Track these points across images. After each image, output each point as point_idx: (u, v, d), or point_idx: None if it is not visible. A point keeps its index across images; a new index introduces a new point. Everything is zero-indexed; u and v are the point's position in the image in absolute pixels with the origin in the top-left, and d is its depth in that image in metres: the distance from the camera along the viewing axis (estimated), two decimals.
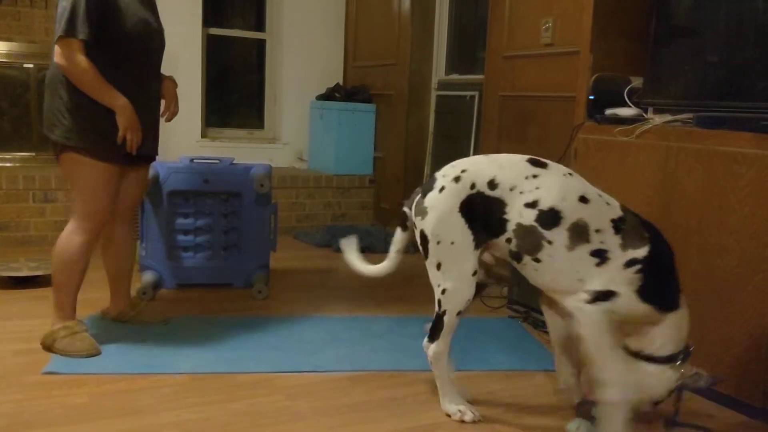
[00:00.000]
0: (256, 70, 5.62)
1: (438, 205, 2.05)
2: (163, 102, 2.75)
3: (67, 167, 2.52)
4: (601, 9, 2.84)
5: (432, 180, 2.10)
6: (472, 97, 4.29)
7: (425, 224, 2.07)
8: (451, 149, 4.50)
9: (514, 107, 3.71)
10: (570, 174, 2.03)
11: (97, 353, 2.50)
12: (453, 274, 2.06)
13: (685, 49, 2.50)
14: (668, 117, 2.52)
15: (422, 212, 2.08)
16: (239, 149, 5.12)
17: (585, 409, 2.12)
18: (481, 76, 4.06)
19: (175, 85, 2.81)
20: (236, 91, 5.68)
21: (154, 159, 2.78)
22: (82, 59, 2.37)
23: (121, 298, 2.84)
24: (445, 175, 2.08)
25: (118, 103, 2.45)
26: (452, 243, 2.04)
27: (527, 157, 2.05)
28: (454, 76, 4.64)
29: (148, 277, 3.28)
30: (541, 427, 2.15)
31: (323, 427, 2.08)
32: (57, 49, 2.37)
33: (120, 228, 2.74)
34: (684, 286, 1.97)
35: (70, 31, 2.33)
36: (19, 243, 4.10)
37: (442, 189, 2.06)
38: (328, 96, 5.26)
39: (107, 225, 2.64)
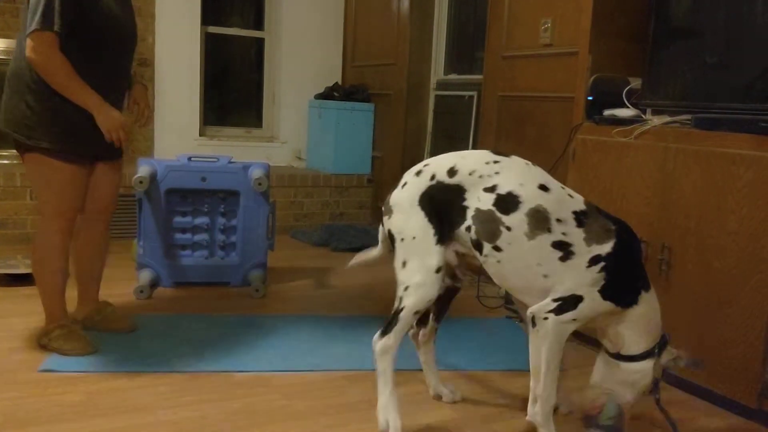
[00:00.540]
0: (254, 69, 5.62)
1: (400, 202, 2.03)
2: (136, 107, 2.68)
3: (32, 167, 2.46)
4: (600, 10, 2.85)
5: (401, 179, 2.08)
6: (471, 97, 4.29)
7: (391, 223, 2.04)
8: (450, 149, 4.45)
9: (513, 107, 3.71)
10: (530, 164, 2.03)
11: (93, 351, 2.50)
12: (417, 270, 1.99)
13: (684, 50, 2.50)
14: (666, 118, 2.53)
15: (389, 211, 2.05)
16: (237, 148, 5.12)
17: (592, 422, 2.08)
18: (479, 76, 4.06)
19: (146, 89, 2.75)
20: (235, 89, 5.68)
21: (121, 156, 2.68)
22: (57, 54, 2.30)
23: (88, 302, 2.75)
24: (409, 171, 2.08)
25: (92, 101, 2.37)
26: (414, 238, 1.99)
27: (490, 150, 2.07)
28: (453, 76, 4.64)
29: (146, 275, 3.28)
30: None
31: (320, 426, 2.08)
32: (29, 43, 2.28)
33: (94, 228, 2.66)
34: (682, 286, 1.98)
35: (45, 24, 2.25)
36: (16, 240, 4.10)
37: (404, 185, 2.05)
38: (327, 95, 5.26)
39: (84, 224, 2.59)
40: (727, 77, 2.35)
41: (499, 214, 1.93)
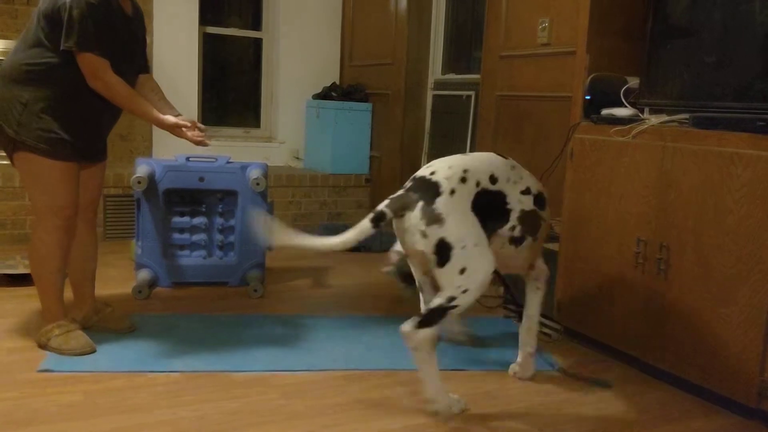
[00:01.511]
0: (252, 69, 5.62)
1: (456, 209, 2.04)
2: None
3: (24, 167, 2.47)
4: (598, 9, 2.85)
5: (431, 184, 2.07)
6: (469, 96, 4.29)
7: (446, 231, 2.02)
8: (448, 149, 4.50)
9: (511, 107, 3.71)
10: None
11: (92, 351, 2.50)
12: (479, 275, 2.05)
13: (682, 49, 2.50)
14: (664, 117, 2.53)
15: (437, 219, 2.02)
16: (235, 148, 5.12)
17: None
18: (477, 76, 4.06)
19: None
20: (233, 89, 5.68)
21: (105, 158, 2.72)
22: (114, 78, 2.42)
23: (85, 302, 2.75)
24: (448, 177, 2.08)
25: (153, 116, 2.53)
26: (476, 245, 2.05)
27: (491, 153, 2.31)
28: (451, 76, 4.64)
29: (144, 275, 3.28)
30: (537, 425, 2.16)
31: (318, 426, 2.08)
32: (86, 69, 2.38)
33: (81, 227, 2.65)
34: (680, 286, 1.98)
35: (84, 45, 2.34)
36: (15, 240, 4.09)
37: (452, 192, 2.05)
38: (325, 95, 5.26)
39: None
40: (726, 76, 2.35)
41: (539, 212, 2.32)
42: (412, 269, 2.34)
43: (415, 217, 2.05)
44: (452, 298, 2.06)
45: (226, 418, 2.09)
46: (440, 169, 2.12)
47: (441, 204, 2.04)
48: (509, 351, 2.75)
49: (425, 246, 2.04)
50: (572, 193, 2.84)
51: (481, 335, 2.94)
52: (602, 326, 2.72)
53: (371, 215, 2.08)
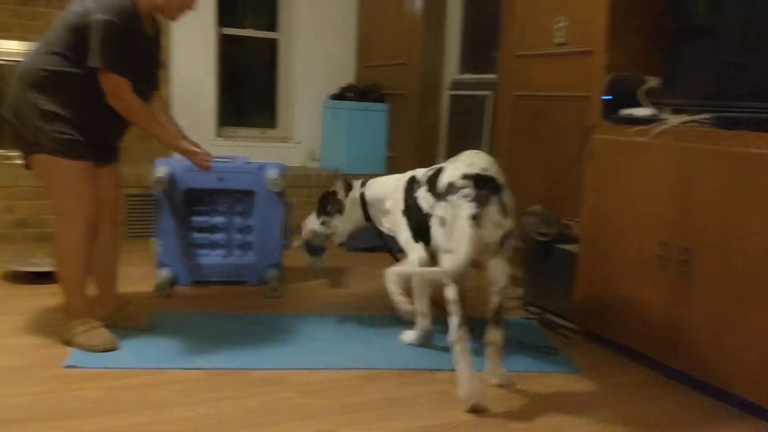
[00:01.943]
0: (269, 70, 5.65)
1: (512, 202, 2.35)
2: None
3: (42, 169, 2.52)
4: (616, 7, 2.84)
5: (492, 180, 2.26)
6: (486, 96, 4.29)
7: (511, 223, 2.29)
8: (464, 149, 4.46)
9: (528, 107, 3.70)
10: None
11: (115, 348, 2.53)
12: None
13: (703, 48, 2.49)
14: (685, 117, 2.50)
15: (508, 212, 2.28)
16: (253, 148, 5.14)
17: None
18: (494, 76, 4.06)
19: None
20: (249, 90, 5.71)
21: (117, 160, 2.77)
22: (135, 98, 2.48)
23: (108, 300, 2.78)
24: (498, 173, 2.32)
25: (168, 139, 2.67)
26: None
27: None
28: (467, 76, 4.64)
29: (165, 274, 3.31)
30: (555, 428, 2.15)
31: (336, 425, 2.09)
32: (107, 87, 2.43)
33: (103, 226, 2.67)
34: (703, 288, 1.96)
35: (110, 64, 2.38)
36: (38, 239, 4.14)
37: (505, 186, 2.31)
38: (341, 95, 5.28)
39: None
40: (747, 75, 2.33)
41: None
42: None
43: (493, 211, 2.21)
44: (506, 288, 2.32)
45: (246, 416, 2.11)
46: (488, 165, 2.31)
47: (507, 197, 2.28)
48: (526, 353, 2.75)
49: (496, 237, 2.24)
50: (591, 195, 2.83)
51: None
52: (622, 328, 2.71)
53: (470, 221, 2.14)
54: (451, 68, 4.77)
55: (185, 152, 2.74)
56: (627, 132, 2.64)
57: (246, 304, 3.20)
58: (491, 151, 4.07)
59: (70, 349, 2.51)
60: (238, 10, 5.51)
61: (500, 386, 2.40)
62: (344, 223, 2.95)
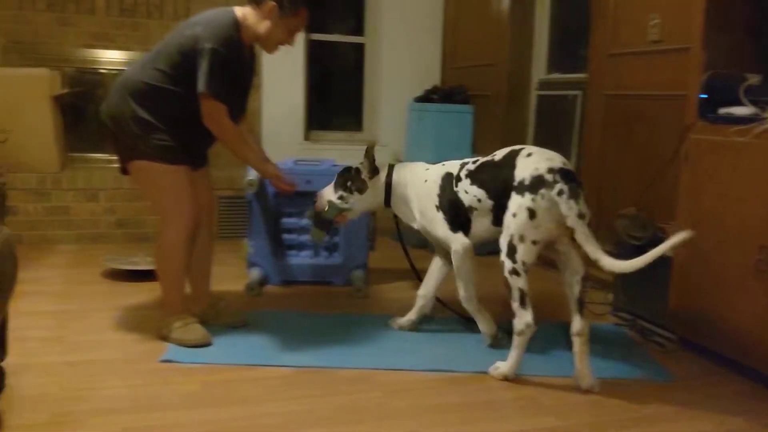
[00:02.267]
0: (355, 74, 5.72)
1: None
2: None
3: (141, 175, 2.63)
4: (714, 3, 2.71)
5: (573, 173, 2.38)
6: (575, 96, 4.20)
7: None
8: (552, 150, 4.41)
9: (620, 107, 3.61)
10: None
11: (209, 343, 2.63)
12: None
13: None
14: None
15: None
16: (340, 151, 5.22)
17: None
18: (584, 75, 3.97)
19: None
20: (336, 94, 5.80)
21: (207, 164, 2.87)
22: (229, 123, 2.58)
23: (201, 298, 2.89)
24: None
25: (256, 162, 2.77)
26: None
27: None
28: (556, 75, 4.56)
29: (255, 273, 3.41)
30: None
31: (421, 426, 2.10)
32: (205, 109, 2.53)
33: (201, 230, 2.76)
34: None
35: (214, 91, 2.49)
36: (136, 239, 4.35)
37: None
38: (426, 98, 5.28)
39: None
40: None
41: None
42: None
43: (581, 203, 2.31)
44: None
45: (333, 413, 2.15)
46: (563, 159, 2.44)
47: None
48: (617, 359, 2.68)
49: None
50: (687, 197, 2.73)
51: (590, 343, 2.87)
52: (720, 336, 2.59)
53: (579, 220, 2.28)
54: (539, 68, 4.70)
55: (271, 176, 2.86)
56: (725, 132, 2.53)
57: (332, 304, 3.25)
58: (580, 152, 3.99)
59: (167, 344, 2.63)
60: (325, 16, 5.61)
61: (588, 390, 2.35)
62: (361, 203, 2.87)
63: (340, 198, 2.86)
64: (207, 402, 2.19)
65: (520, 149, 2.51)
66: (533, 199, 2.33)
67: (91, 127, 4.64)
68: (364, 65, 5.65)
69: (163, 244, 2.63)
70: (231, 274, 3.55)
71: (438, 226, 2.71)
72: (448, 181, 2.70)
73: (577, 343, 2.39)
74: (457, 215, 2.66)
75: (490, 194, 2.53)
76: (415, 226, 2.84)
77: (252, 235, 3.48)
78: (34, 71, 4.22)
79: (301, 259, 3.54)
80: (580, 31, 4.28)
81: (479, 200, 2.57)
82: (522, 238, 2.35)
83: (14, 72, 4.22)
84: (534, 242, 2.34)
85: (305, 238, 3.54)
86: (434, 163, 2.83)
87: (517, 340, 2.41)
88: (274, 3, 2.60)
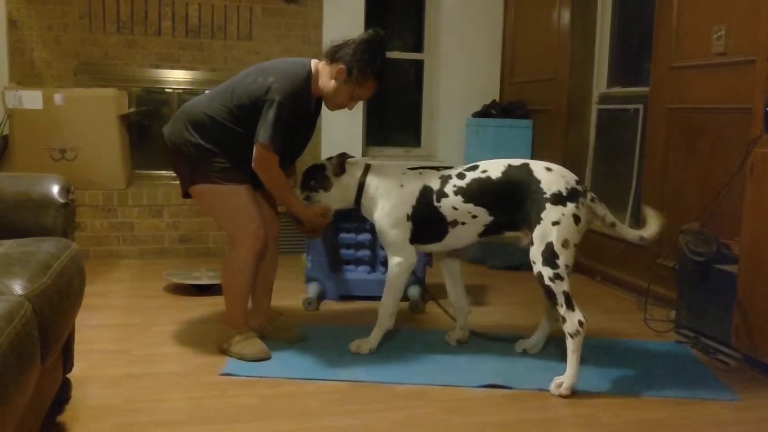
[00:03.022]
0: (413, 90, 5.75)
1: None
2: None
3: (205, 198, 2.69)
4: None
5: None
6: (636, 110, 4.12)
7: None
8: (613, 165, 4.35)
9: (683, 120, 3.52)
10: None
11: (268, 357, 2.67)
12: None
13: None
14: None
15: None
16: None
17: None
18: (646, 89, 3.90)
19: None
20: (394, 110, 5.84)
21: None
22: (277, 170, 2.59)
23: (261, 313, 2.93)
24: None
25: (295, 206, 2.71)
26: None
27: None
28: (617, 89, 4.48)
29: (313, 288, 3.46)
30: None
31: None
32: (257, 152, 2.54)
33: (265, 247, 2.79)
34: None
35: (273, 144, 2.52)
36: (199, 254, 4.47)
37: None
38: (484, 113, 5.26)
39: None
40: None
41: None
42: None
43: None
44: None
45: (390, 428, 2.16)
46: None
47: None
48: (680, 378, 2.61)
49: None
50: (753, 212, 2.64)
51: (649, 360, 2.80)
52: None
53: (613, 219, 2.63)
54: (600, 82, 4.63)
55: (312, 217, 2.77)
56: None
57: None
58: (643, 167, 3.91)
59: (227, 357, 2.68)
60: (386, 33, 5.66)
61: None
62: (328, 200, 2.81)
63: (306, 198, 2.82)
64: (265, 415, 2.23)
65: (523, 164, 2.62)
66: (577, 207, 2.50)
67: (156, 145, 4.81)
68: (422, 81, 5.68)
69: (232, 261, 2.69)
70: (289, 289, 3.60)
71: (398, 234, 2.70)
72: (427, 195, 2.68)
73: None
74: (428, 229, 2.69)
75: (492, 210, 2.61)
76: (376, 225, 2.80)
77: (310, 251, 3.52)
78: (103, 91, 4.39)
79: (358, 274, 3.56)
80: (642, 44, 4.21)
81: (474, 216, 2.63)
82: (566, 244, 2.47)
83: (83, 92, 4.40)
84: (575, 245, 2.49)
85: (363, 253, 3.57)
86: (413, 168, 2.80)
87: (573, 344, 2.42)
88: (343, 67, 2.61)
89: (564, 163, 4.73)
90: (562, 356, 2.78)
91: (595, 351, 2.87)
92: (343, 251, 3.56)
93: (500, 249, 4.59)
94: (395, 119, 5.83)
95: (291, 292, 3.56)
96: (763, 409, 2.36)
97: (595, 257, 4.22)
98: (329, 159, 2.83)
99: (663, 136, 3.65)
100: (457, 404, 2.35)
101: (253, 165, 2.58)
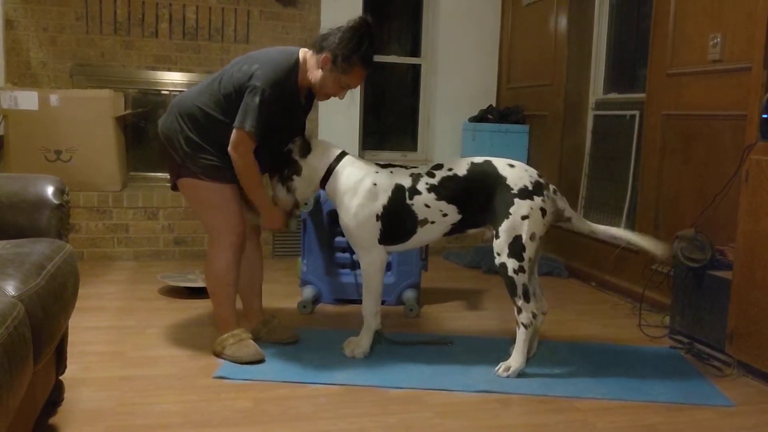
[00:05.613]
0: (410, 94, 5.76)
1: None
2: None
3: (190, 192, 2.69)
4: None
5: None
6: (633, 116, 4.13)
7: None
8: (609, 170, 4.35)
9: (679, 127, 3.53)
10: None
11: (262, 360, 2.66)
12: None
13: None
14: None
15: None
16: None
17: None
18: (642, 95, 3.91)
19: None
20: (391, 114, 5.85)
21: None
22: (251, 156, 2.56)
23: (253, 316, 2.93)
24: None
25: (262, 201, 2.67)
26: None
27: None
28: (613, 95, 4.49)
29: (308, 291, 3.45)
30: None
31: None
32: (234, 138, 2.53)
33: (249, 244, 2.82)
34: None
35: (252, 130, 2.50)
36: (194, 256, 4.46)
37: None
38: (481, 118, 5.27)
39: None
40: None
41: None
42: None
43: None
44: None
45: None
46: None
47: None
48: (674, 384, 2.61)
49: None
50: (748, 218, 2.65)
51: (643, 366, 2.81)
52: None
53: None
54: (596, 88, 4.64)
55: (274, 222, 2.76)
56: None
57: (384, 323, 3.24)
58: (638, 172, 3.92)
59: (220, 360, 2.67)
60: (382, 37, 5.67)
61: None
62: (303, 183, 2.73)
63: (288, 190, 2.76)
64: (259, 419, 2.22)
65: (485, 161, 2.68)
66: (543, 200, 2.60)
67: (152, 147, 4.81)
68: (420, 85, 5.68)
69: (214, 264, 2.69)
70: (284, 292, 3.60)
71: (367, 234, 2.67)
72: (399, 194, 2.65)
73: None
74: (396, 228, 2.68)
75: (462, 208, 2.64)
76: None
77: (306, 254, 3.52)
78: (99, 93, 4.38)
79: (353, 277, 3.56)
80: (638, 50, 4.23)
81: (445, 215, 2.65)
82: (533, 237, 2.57)
83: (79, 93, 4.40)
84: (540, 238, 2.61)
85: (357, 256, 3.55)
86: (384, 166, 2.75)
87: (525, 334, 2.62)
88: (328, 55, 2.59)
89: (560, 169, 4.80)
90: (556, 361, 2.79)
91: (589, 356, 2.87)
92: (339, 255, 3.56)
93: None
94: (392, 123, 5.84)
95: (286, 296, 3.55)
96: (757, 415, 2.37)
97: (590, 263, 4.22)
98: (293, 141, 2.73)
99: (659, 142, 3.66)
100: (452, 409, 2.35)
101: (228, 149, 2.55)
